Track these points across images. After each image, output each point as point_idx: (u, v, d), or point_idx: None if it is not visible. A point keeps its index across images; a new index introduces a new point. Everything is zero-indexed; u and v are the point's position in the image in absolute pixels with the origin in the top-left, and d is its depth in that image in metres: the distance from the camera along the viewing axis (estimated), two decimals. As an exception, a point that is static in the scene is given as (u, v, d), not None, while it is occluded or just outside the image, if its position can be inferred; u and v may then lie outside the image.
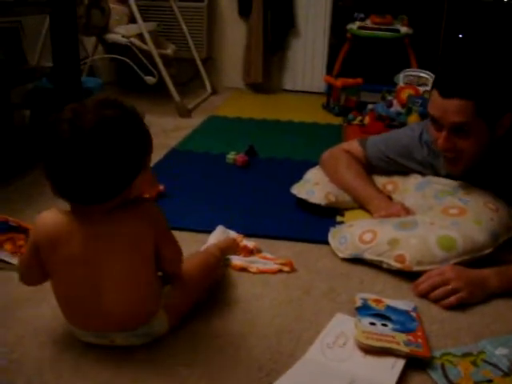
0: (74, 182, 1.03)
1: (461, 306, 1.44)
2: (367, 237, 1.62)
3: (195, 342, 1.24)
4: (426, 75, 3.40)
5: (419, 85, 3.39)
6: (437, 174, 1.89)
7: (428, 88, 3.32)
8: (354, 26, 3.67)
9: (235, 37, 3.88)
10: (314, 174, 2.06)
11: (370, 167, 2.03)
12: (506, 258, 1.63)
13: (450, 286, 1.44)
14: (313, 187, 1.96)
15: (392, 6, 3.78)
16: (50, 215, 1.11)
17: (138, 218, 1.11)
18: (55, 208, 1.12)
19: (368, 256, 1.60)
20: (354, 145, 2.06)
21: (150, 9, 3.77)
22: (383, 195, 1.91)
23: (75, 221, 1.09)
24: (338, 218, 1.88)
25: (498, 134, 1.64)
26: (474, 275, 1.47)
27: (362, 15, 3.69)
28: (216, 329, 1.29)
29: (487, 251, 1.59)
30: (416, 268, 1.53)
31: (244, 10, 3.76)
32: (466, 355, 1.24)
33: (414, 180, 1.95)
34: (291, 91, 3.98)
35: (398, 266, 1.55)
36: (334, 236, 1.73)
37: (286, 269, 1.56)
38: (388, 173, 2.03)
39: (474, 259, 1.56)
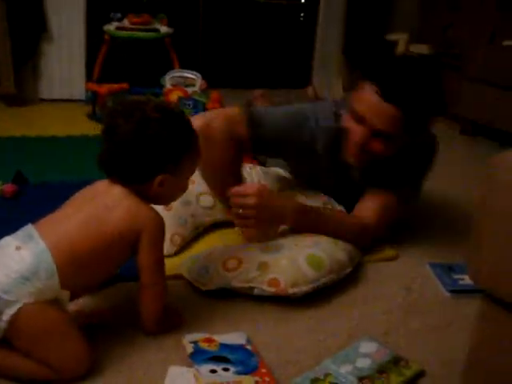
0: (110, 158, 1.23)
1: (288, 328, 1.38)
2: (231, 264, 1.48)
3: None
4: (192, 75, 3.34)
5: (186, 86, 3.31)
6: (313, 161, 1.80)
7: (196, 89, 3.26)
8: (111, 27, 3.44)
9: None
10: None
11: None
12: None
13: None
14: None
15: (149, 5, 3.64)
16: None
17: (135, 214, 1.22)
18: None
19: (236, 284, 1.46)
20: (238, 119, 1.72)
21: None
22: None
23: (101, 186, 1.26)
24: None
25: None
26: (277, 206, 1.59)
27: (118, 15, 3.48)
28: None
29: (348, 270, 1.59)
30: (291, 290, 1.43)
31: (-16, 13, 3.29)
32: (314, 381, 1.18)
33: None
34: (48, 100, 3.60)
35: (271, 290, 1.43)
36: (190, 268, 1.53)
37: (96, 320, 1.32)
38: None
39: (339, 279, 1.55)
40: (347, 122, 1.65)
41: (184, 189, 1.35)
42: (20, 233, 1.19)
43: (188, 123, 1.29)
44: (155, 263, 1.25)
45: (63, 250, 1.14)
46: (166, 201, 1.36)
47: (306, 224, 1.63)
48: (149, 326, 1.28)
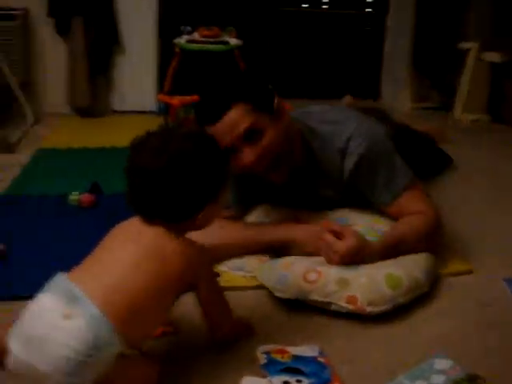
0: (147, 200, 1.13)
1: (362, 342, 1.37)
2: (312, 276, 1.47)
3: None
4: (262, 87, 3.36)
5: (256, 97, 3.34)
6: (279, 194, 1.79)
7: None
8: (181, 40, 3.51)
9: (55, 57, 3.49)
10: None
11: None
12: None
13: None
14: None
15: (218, 18, 3.69)
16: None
17: (182, 259, 1.14)
18: None
19: (314, 297, 1.46)
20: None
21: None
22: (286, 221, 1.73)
23: (136, 227, 1.15)
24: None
25: (283, 118, 1.59)
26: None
27: (188, 28, 3.56)
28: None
29: (425, 290, 1.56)
30: (369, 309, 1.43)
31: (62, 28, 3.41)
32: (387, 397, 1.16)
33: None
34: (121, 112, 3.72)
35: (349, 307, 1.43)
36: (268, 274, 1.55)
37: (170, 329, 1.35)
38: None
39: (415, 297, 1.52)
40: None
41: (220, 212, 1.29)
42: (59, 291, 1.02)
43: (219, 145, 1.23)
44: (218, 299, 1.25)
45: (119, 305, 1.02)
46: (202, 228, 1.23)
47: (392, 256, 1.58)
48: (221, 341, 1.30)
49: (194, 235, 1.21)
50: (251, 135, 1.51)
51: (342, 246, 1.48)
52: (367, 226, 1.72)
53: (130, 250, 1.11)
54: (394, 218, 1.72)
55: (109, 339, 0.99)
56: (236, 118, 1.49)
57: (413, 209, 1.68)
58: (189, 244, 1.17)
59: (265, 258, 1.66)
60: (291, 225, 1.69)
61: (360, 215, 1.79)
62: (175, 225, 1.16)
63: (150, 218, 1.15)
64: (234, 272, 1.65)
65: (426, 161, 2.41)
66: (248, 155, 1.52)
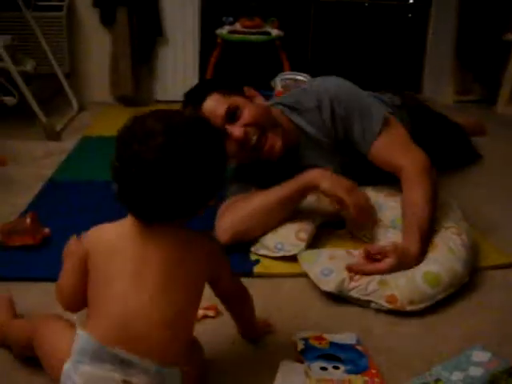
0: (149, 201, 0.97)
1: (399, 332, 1.38)
2: (356, 275, 1.50)
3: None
4: (303, 78, 3.36)
5: (297, 88, 3.33)
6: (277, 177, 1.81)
7: (306, 91, 3.28)
8: (223, 31, 3.54)
9: (99, 48, 3.58)
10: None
11: None
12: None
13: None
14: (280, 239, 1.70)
15: (260, 8, 3.70)
16: (106, 227, 1.07)
17: (202, 251, 1.07)
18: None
19: (355, 295, 1.48)
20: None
21: (1, 20, 3.34)
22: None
23: (137, 234, 1.03)
24: (253, 257, 1.69)
25: (256, 99, 1.82)
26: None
27: (230, 19, 3.58)
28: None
29: (465, 281, 1.56)
30: (409, 308, 1.44)
31: (107, 19, 3.48)
32: (424, 387, 1.17)
33: None
34: (163, 101, 3.77)
35: (389, 306, 1.45)
36: (312, 265, 1.57)
37: (211, 314, 1.38)
38: None
39: (456, 290, 1.52)
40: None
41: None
42: (102, 359, 0.95)
43: (216, 128, 1.09)
44: (239, 284, 1.21)
45: (169, 340, 0.99)
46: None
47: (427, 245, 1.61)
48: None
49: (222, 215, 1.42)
50: (232, 115, 1.71)
51: (382, 268, 1.51)
52: (396, 212, 1.73)
53: (152, 269, 1.00)
54: (381, 165, 1.78)
55: (173, 378, 1.01)
56: (213, 105, 1.71)
57: (395, 156, 1.74)
58: (203, 236, 1.10)
59: (303, 237, 1.68)
60: (305, 171, 1.71)
61: (388, 198, 1.82)
62: (182, 219, 1.04)
63: (162, 220, 1.01)
64: (273, 253, 1.67)
65: (452, 150, 2.42)
66: (235, 131, 1.70)
